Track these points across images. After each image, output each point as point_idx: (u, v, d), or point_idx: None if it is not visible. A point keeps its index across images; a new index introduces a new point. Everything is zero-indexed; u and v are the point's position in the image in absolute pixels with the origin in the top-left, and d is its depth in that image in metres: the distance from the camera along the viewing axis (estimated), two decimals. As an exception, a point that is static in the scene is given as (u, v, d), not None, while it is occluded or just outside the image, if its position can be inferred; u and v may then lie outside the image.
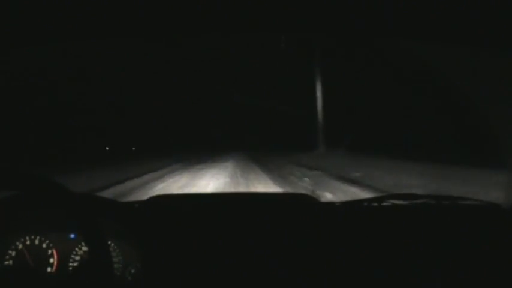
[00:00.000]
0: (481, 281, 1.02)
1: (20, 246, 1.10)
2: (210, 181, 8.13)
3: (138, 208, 1.23)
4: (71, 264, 1.10)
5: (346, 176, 7.85)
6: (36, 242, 1.11)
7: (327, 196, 5.74)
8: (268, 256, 1.04)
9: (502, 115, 1.14)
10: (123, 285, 1.08)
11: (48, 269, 1.10)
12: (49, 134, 16.73)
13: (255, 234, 1.09)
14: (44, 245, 1.11)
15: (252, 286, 1.02)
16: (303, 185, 7.27)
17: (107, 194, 6.20)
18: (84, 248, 1.10)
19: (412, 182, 6.30)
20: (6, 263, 1.09)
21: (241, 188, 7.06)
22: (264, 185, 7.33)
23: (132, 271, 1.08)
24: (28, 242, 1.11)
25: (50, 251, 1.11)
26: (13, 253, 1.09)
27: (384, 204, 1.25)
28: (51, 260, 1.10)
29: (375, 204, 1.25)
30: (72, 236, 1.12)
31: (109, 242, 1.06)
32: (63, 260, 1.10)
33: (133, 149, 28.04)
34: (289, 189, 6.57)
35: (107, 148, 23.94)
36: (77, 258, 1.10)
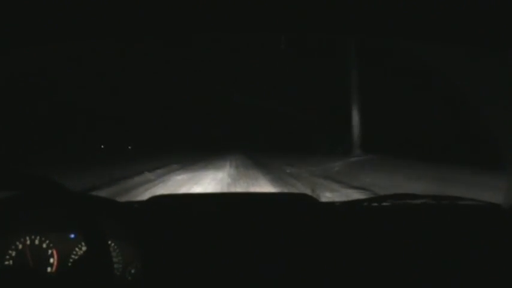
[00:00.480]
0: (481, 281, 1.02)
1: (20, 246, 1.10)
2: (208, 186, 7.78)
3: (138, 208, 1.23)
4: (71, 264, 1.10)
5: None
6: (36, 242, 1.11)
7: (327, 196, 5.74)
8: (269, 256, 1.04)
9: (502, 115, 1.14)
10: (123, 285, 1.08)
11: (48, 269, 1.10)
12: (49, 134, 16.74)
13: (255, 234, 1.09)
14: (44, 245, 1.11)
15: (252, 286, 1.02)
16: (303, 185, 7.26)
17: (107, 193, 6.20)
18: (84, 248, 1.09)
19: (412, 184, 6.27)
20: (6, 263, 1.08)
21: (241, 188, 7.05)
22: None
23: (132, 271, 1.08)
24: (28, 242, 1.11)
25: (50, 251, 1.11)
26: (13, 253, 1.09)
27: (384, 204, 1.25)
28: (51, 260, 1.10)
29: (375, 204, 1.25)
30: (72, 236, 1.12)
31: (109, 242, 1.06)
32: (63, 260, 1.10)
33: (129, 147, 27.97)
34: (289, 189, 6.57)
35: (102, 146, 23.88)
36: (77, 258, 1.10)
